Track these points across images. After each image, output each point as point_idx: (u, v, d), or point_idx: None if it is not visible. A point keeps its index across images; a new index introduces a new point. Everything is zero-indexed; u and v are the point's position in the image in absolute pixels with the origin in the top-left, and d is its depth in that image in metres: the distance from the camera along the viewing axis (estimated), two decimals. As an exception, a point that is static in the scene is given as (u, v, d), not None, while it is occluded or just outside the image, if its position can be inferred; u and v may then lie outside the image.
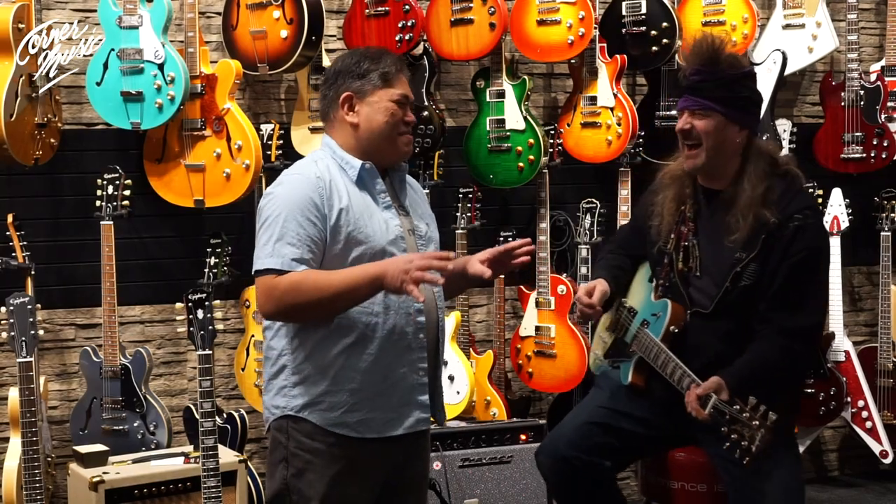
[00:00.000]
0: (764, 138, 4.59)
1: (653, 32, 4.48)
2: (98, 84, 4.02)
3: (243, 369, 4.35)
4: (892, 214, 4.94)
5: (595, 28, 4.42)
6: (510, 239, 4.55)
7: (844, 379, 4.88)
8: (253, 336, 4.29)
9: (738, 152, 3.13)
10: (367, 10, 4.32)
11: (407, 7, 4.26)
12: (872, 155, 4.87)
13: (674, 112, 4.55)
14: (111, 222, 4.05)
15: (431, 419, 2.82)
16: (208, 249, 4.17)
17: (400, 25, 4.27)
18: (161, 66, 3.97)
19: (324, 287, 2.57)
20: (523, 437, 4.17)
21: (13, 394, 3.74)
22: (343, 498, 2.70)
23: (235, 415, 4.09)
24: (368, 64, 2.71)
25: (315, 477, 2.69)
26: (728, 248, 3.10)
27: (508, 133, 4.44)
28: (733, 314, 3.10)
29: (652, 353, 3.14)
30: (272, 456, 2.77)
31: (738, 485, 3.08)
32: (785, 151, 4.75)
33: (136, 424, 4.06)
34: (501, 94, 4.44)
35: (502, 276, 4.56)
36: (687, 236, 3.19)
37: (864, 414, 4.91)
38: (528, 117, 4.43)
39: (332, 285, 2.57)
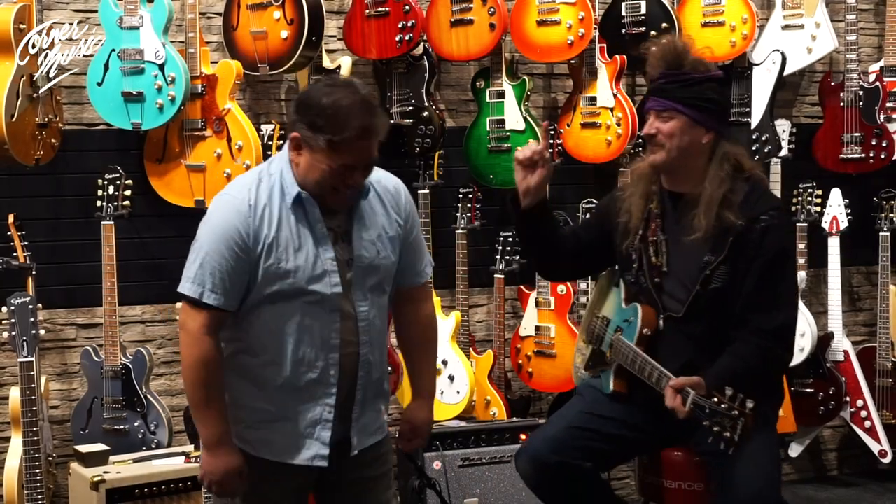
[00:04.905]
0: (763, 138, 4.62)
1: (652, 33, 4.47)
2: (99, 84, 4.03)
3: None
4: (891, 214, 4.95)
5: (595, 28, 4.42)
6: (510, 239, 4.57)
7: (843, 379, 4.89)
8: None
9: (705, 154, 3.14)
10: (367, 11, 4.33)
11: (407, 7, 4.27)
12: (871, 155, 4.87)
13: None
14: (112, 222, 4.06)
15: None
16: (209, 249, 4.17)
17: (400, 26, 4.28)
18: (162, 67, 3.98)
19: (203, 394, 2.62)
20: (523, 436, 4.18)
21: (14, 393, 3.75)
22: (265, 497, 2.72)
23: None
24: (324, 122, 2.51)
25: None
26: (694, 251, 3.11)
27: (508, 133, 4.44)
28: (705, 317, 3.12)
29: (628, 358, 3.16)
30: None
31: (718, 474, 3.11)
32: (784, 152, 4.77)
33: (136, 424, 4.07)
34: (501, 95, 4.45)
35: (502, 277, 4.58)
36: (655, 232, 3.21)
37: (863, 413, 4.92)
38: (528, 117, 4.44)
39: (204, 398, 2.63)
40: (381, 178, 2.76)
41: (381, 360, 2.79)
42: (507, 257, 4.58)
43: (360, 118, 2.52)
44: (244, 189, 2.63)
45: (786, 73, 4.68)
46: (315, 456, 2.68)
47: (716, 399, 2.84)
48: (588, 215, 3.44)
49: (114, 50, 4.00)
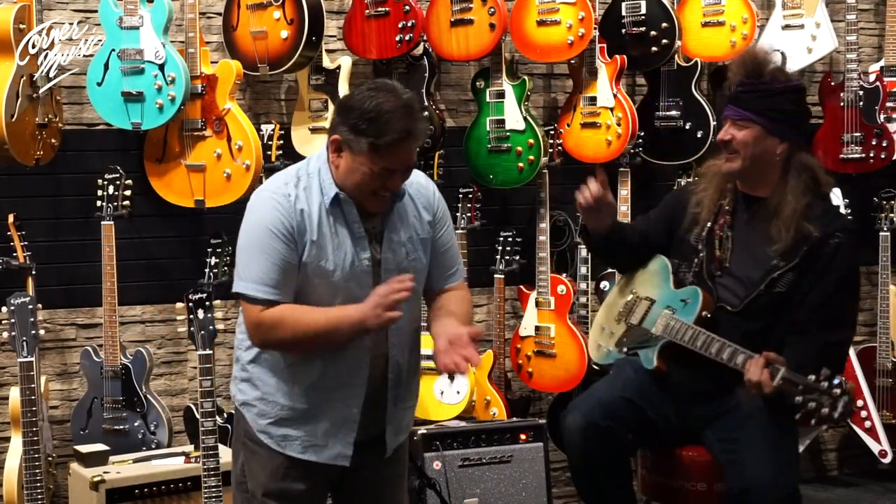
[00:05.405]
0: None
1: (652, 33, 4.49)
2: (99, 84, 4.02)
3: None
4: (891, 215, 4.95)
5: (595, 28, 4.42)
6: (510, 239, 4.57)
7: (843, 379, 4.89)
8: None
9: (778, 163, 3.20)
10: (367, 11, 4.32)
11: (407, 7, 4.27)
12: (871, 155, 4.87)
13: (673, 112, 4.58)
14: (112, 222, 4.06)
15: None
16: (209, 249, 4.17)
17: (400, 26, 4.28)
18: (162, 67, 3.98)
19: (304, 326, 2.59)
20: (523, 436, 4.18)
21: (14, 393, 3.74)
22: (285, 492, 2.73)
23: (236, 414, 4.10)
24: (367, 126, 2.53)
25: (258, 468, 2.75)
26: (758, 253, 3.17)
27: (508, 133, 4.44)
28: (759, 317, 3.17)
29: (687, 335, 3.19)
30: (235, 440, 2.85)
31: (733, 462, 3.13)
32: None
33: (136, 424, 4.07)
34: (501, 95, 4.45)
35: (502, 277, 4.58)
36: (723, 227, 3.26)
37: (864, 413, 4.92)
38: (528, 117, 4.43)
39: (312, 324, 2.59)
40: (413, 179, 2.76)
41: (411, 361, 2.80)
42: (507, 257, 4.58)
43: (402, 122, 2.55)
44: (283, 185, 2.65)
45: (786, 73, 4.68)
46: (339, 455, 2.71)
47: (812, 376, 2.88)
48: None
49: (114, 50, 4.00)
